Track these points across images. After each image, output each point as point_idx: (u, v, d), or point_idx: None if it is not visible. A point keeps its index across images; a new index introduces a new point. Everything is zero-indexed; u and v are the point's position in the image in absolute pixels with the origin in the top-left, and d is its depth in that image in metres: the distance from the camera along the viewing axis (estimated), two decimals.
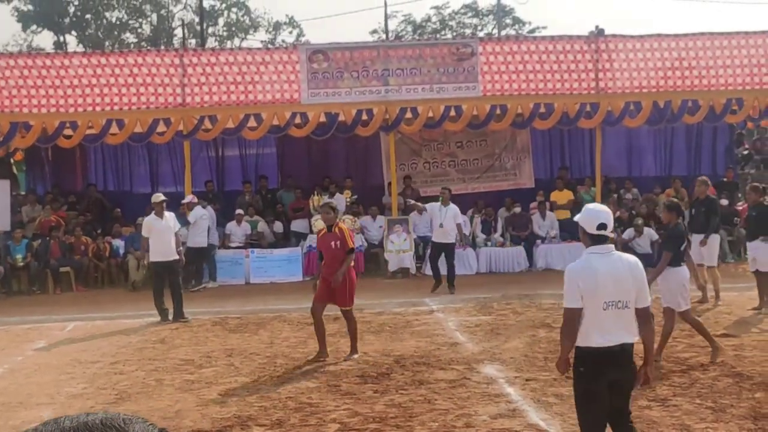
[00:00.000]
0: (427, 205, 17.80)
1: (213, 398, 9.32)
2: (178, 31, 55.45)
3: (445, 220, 17.07)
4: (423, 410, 8.47)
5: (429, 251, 18.32)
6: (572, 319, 5.92)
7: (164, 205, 14.91)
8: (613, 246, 6.05)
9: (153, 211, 14.99)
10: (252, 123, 19.73)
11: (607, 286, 5.79)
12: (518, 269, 20.30)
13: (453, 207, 17.23)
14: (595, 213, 6.01)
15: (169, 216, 15.00)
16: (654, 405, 8.44)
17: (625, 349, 5.85)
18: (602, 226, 5.94)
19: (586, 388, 5.93)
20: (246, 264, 19.93)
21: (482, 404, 8.65)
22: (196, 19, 52.02)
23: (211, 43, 53.88)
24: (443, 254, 17.18)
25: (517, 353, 11.07)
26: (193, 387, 9.88)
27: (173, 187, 22.43)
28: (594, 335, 5.83)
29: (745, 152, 25.31)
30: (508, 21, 56.60)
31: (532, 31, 54.89)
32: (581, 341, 5.91)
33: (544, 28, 56.54)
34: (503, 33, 50.93)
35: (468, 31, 55.88)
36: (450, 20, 58.25)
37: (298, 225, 21.25)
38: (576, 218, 6.20)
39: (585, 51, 20.15)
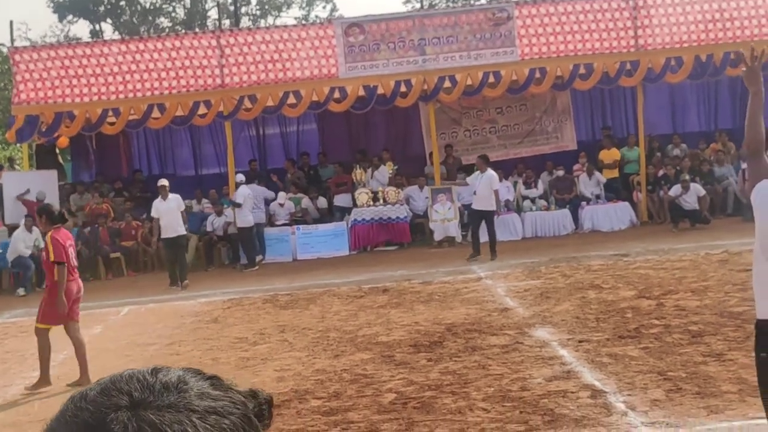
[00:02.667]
0: (468, 178, 17.92)
1: (269, 374, 9.44)
2: (212, 13, 55.57)
3: (480, 188, 17.12)
4: (478, 376, 8.51)
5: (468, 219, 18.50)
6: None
7: (167, 188, 16.97)
8: None
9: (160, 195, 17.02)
10: (291, 100, 19.81)
11: None
12: (564, 232, 20.22)
13: (489, 174, 17.22)
14: None
15: (173, 198, 16.94)
16: (710, 360, 8.40)
17: None
18: None
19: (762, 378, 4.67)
20: (292, 241, 20.08)
21: (536, 367, 8.67)
22: (229, 0, 52.10)
23: (245, 22, 53.95)
24: (483, 221, 17.20)
25: (568, 315, 11.06)
26: (248, 364, 10.02)
27: (217, 168, 22.68)
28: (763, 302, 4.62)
29: None
30: None
31: None
32: (760, 311, 4.66)
33: None
34: None
35: None
36: None
37: (341, 200, 21.34)
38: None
39: (623, 9, 19.92)
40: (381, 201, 20.28)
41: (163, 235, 17.09)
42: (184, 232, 17.21)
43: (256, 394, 1.15)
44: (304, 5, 58.22)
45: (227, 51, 19.49)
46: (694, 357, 8.54)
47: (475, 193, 17.28)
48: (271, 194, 20.78)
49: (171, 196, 16.95)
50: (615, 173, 21.40)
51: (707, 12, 19.89)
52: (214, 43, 19.55)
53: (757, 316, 4.83)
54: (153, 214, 17.28)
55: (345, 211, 20.93)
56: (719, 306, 10.73)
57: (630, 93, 21.81)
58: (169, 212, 16.85)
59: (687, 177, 19.44)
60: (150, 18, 54.17)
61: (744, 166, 15.81)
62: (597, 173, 21.09)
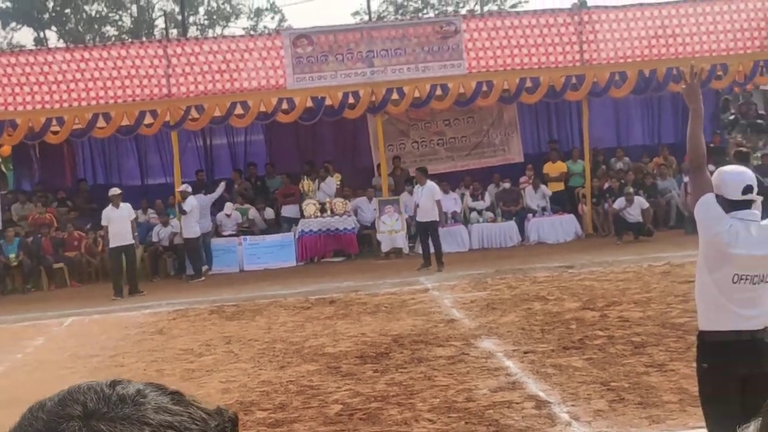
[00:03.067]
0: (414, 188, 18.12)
1: (214, 385, 9.38)
2: (159, 22, 55.21)
3: (422, 199, 17.36)
4: (424, 387, 8.55)
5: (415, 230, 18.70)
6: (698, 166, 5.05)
7: (120, 197, 17.20)
8: (756, 212, 4.95)
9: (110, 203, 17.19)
10: (239, 111, 19.72)
11: (742, 256, 4.74)
12: (510, 244, 20.37)
13: (429, 185, 17.51)
14: (738, 175, 4.94)
15: (125, 206, 17.18)
16: (652, 371, 8.53)
17: (758, 339, 4.78)
18: (748, 189, 4.87)
19: (713, 387, 4.81)
20: (239, 251, 19.97)
21: (482, 378, 8.73)
22: (177, 9, 51.78)
23: (192, 32, 53.66)
24: (428, 232, 17.46)
25: (514, 327, 11.15)
26: (193, 375, 9.94)
27: (163, 178, 22.47)
28: (716, 316, 4.85)
29: (731, 117, 25.41)
30: None
31: (515, 5, 54.73)
32: (702, 323, 4.93)
33: (526, 2, 56.42)
34: (485, 9, 50.82)
35: (450, 9, 55.72)
36: None
37: (288, 210, 21.28)
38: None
39: (568, 24, 20.16)
40: (328, 212, 20.26)
41: (113, 244, 17.07)
42: (133, 241, 17.32)
43: (222, 413, 1.13)
44: (252, 16, 58.14)
45: (174, 61, 19.35)
46: (637, 367, 8.67)
47: (417, 205, 17.46)
48: (217, 194, 20.62)
49: (122, 204, 17.15)
50: (561, 186, 21.64)
51: (650, 28, 20.23)
52: (160, 52, 19.39)
53: (699, 328, 4.99)
54: (104, 222, 17.30)
55: (292, 222, 20.87)
56: (661, 317, 10.91)
57: (575, 107, 22.05)
58: (120, 221, 17.00)
59: (631, 190, 19.72)
60: (96, 26, 53.62)
61: (686, 179, 16.09)
62: (543, 186, 21.32)
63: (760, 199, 5.10)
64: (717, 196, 4.93)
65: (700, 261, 4.93)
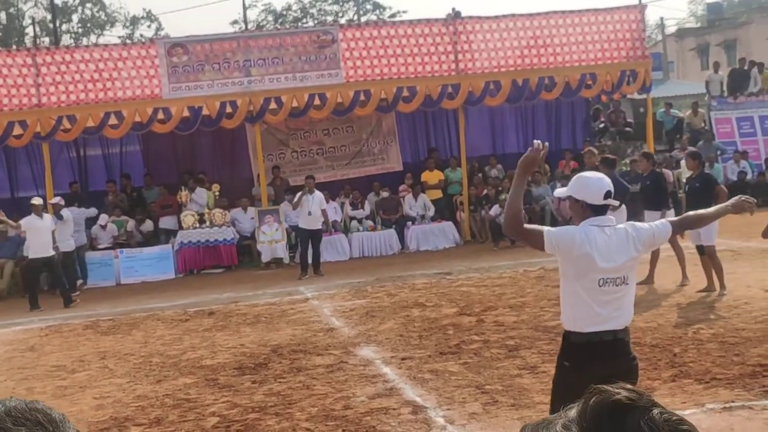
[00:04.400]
0: (298, 194, 17.99)
1: (88, 402, 9.15)
2: (30, 30, 53.61)
3: (313, 207, 17.41)
4: (302, 396, 8.54)
5: (297, 238, 18.57)
6: (528, 232, 5.16)
7: (41, 207, 16.66)
8: (612, 218, 5.22)
9: (32, 213, 16.53)
10: (113, 121, 19.32)
11: (603, 261, 4.99)
12: (390, 252, 20.55)
13: (318, 194, 17.64)
14: (599, 181, 5.20)
15: (47, 217, 16.73)
16: (525, 373, 8.74)
17: (619, 339, 5.05)
18: (609, 194, 5.12)
19: (569, 384, 4.92)
20: (116, 265, 19.56)
21: (360, 386, 8.78)
22: (49, 17, 50.38)
23: (66, 40, 52.33)
24: (311, 241, 17.53)
25: (392, 334, 11.25)
26: (66, 393, 9.68)
27: (34, 190, 21.70)
28: (580, 317, 5.06)
29: (601, 125, 26.26)
30: (368, 6, 56.93)
31: (393, 15, 55.35)
32: (567, 323, 5.16)
33: (404, 12, 57.23)
34: (364, 19, 51.17)
35: (329, 18, 55.93)
36: (311, 8, 58.19)
37: (166, 222, 20.95)
38: (567, 193, 5.29)
39: (444, 33, 20.51)
40: (207, 223, 20.04)
41: (34, 255, 16.55)
42: (53, 253, 16.70)
43: None
44: (128, 24, 57.09)
45: (44, 70, 18.83)
46: (510, 370, 8.87)
47: (310, 213, 17.42)
48: (93, 211, 20.21)
49: (46, 215, 16.76)
50: (439, 194, 21.96)
51: (522, 39, 20.76)
52: (29, 61, 18.84)
53: (564, 328, 5.23)
54: (27, 233, 16.80)
55: (171, 234, 20.55)
56: (535, 321, 11.19)
57: (452, 115, 22.42)
58: (43, 231, 16.50)
59: (504, 198, 20.14)
60: None
61: (559, 186, 16.55)
62: (423, 195, 21.56)
63: (616, 203, 5.36)
64: (576, 201, 5.19)
65: (564, 270, 5.15)
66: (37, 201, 16.85)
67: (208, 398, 8.85)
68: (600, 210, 5.13)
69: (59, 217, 17.80)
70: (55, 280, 17.02)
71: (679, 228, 5.46)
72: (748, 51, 40.96)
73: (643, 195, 13.69)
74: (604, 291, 5.01)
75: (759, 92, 26.43)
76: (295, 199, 18.13)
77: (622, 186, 12.86)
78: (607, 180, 5.28)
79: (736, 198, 5.54)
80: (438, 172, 22.19)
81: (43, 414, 1.15)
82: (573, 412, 1.36)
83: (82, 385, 10.00)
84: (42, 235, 16.45)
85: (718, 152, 24.17)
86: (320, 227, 17.83)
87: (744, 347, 9.11)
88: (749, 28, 47.04)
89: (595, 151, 15.48)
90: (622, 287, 5.06)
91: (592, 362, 4.95)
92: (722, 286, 12.34)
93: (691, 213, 5.68)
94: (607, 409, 1.28)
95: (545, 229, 5.16)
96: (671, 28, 60.86)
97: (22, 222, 16.77)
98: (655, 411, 1.27)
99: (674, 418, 1.27)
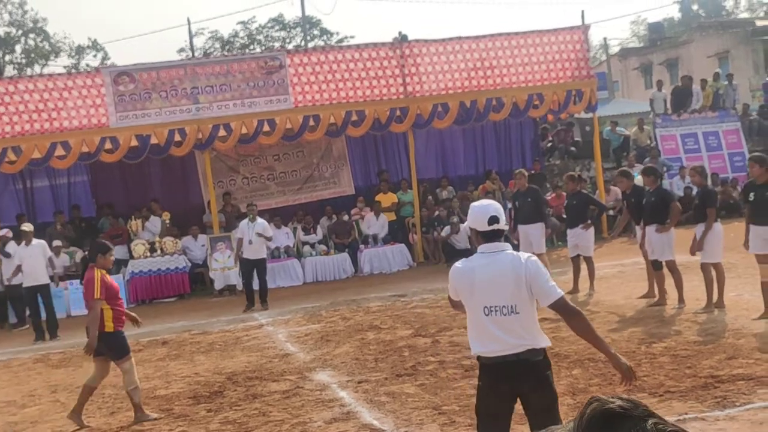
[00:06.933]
0: (241, 223, 17.47)
1: None
2: None
3: (253, 236, 16.80)
4: (258, 423, 8.47)
5: (240, 268, 18.00)
6: (451, 303, 5.59)
7: (32, 233, 16.12)
8: (505, 245, 5.26)
9: (23, 240, 16.16)
10: (60, 152, 19.09)
11: (485, 290, 5.09)
12: (344, 276, 20.51)
13: (260, 222, 17.08)
14: (483, 208, 5.32)
15: (37, 243, 16.12)
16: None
17: (522, 361, 5.04)
18: (494, 219, 5.19)
19: (481, 404, 5.23)
20: (65, 296, 19.23)
21: (317, 411, 8.73)
22: None
23: (9, 71, 51.72)
24: (255, 271, 16.93)
25: (348, 357, 11.21)
26: (17, 429, 9.49)
27: None
28: (479, 343, 5.19)
29: (549, 144, 26.55)
30: (315, 32, 57.09)
31: (341, 40, 55.62)
32: (473, 347, 5.30)
33: (352, 37, 57.45)
34: (312, 44, 51.28)
35: (277, 44, 55.98)
36: (258, 34, 58.25)
37: (116, 252, 20.60)
38: (465, 224, 5.54)
39: (391, 57, 20.64)
40: (158, 252, 19.85)
41: (26, 284, 16.13)
42: (48, 281, 16.30)
43: None
44: (73, 54, 56.59)
45: None
46: (467, 390, 8.87)
47: (251, 242, 16.89)
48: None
49: (35, 241, 16.10)
50: (393, 216, 22.00)
51: (469, 61, 20.96)
52: None
53: (474, 351, 5.31)
54: (15, 260, 16.47)
55: (121, 264, 20.30)
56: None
57: (402, 138, 22.51)
58: (32, 259, 15.97)
59: (455, 219, 20.24)
60: None
61: (510, 206, 16.71)
62: (383, 214, 21.53)
63: (504, 227, 5.33)
64: (471, 229, 5.41)
65: (475, 303, 5.17)
66: (27, 227, 16.44)
67: (163, 429, 8.75)
68: (488, 236, 5.22)
69: (6, 255, 17.51)
70: (49, 311, 16.39)
71: (562, 311, 5.13)
72: (690, 69, 41.74)
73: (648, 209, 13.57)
74: (492, 320, 5.06)
75: (701, 109, 26.92)
76: (235, 252, 17.83)
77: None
78: (494, 206, 5.37)
79: (627, 366, 5.23)
80: (392, 195, 22.25)
81: None
82: (572, 423, 1.37)
83: (33, 419, 9.82)
84: (30, 262, 15.99)
85: (665, 168, 24.52)
86: (263, 256, 17.09)
87: (696, 359, 9.23)
88: (690, 47, 47.95)
89: (525, 173, 15.77)
90: (511, 317, 5.04)
91: (497, 383, 5.07)
92: (680, 299, 12.47)
93: (583, 319, 5.17)
94: (601, 418, 1.28)
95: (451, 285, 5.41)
96: (615, 48, 61.92)
97: (9, 249, 16.52)
98: (650, 421, 1.27)
99: (669, 428, 1.28)
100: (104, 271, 9.36)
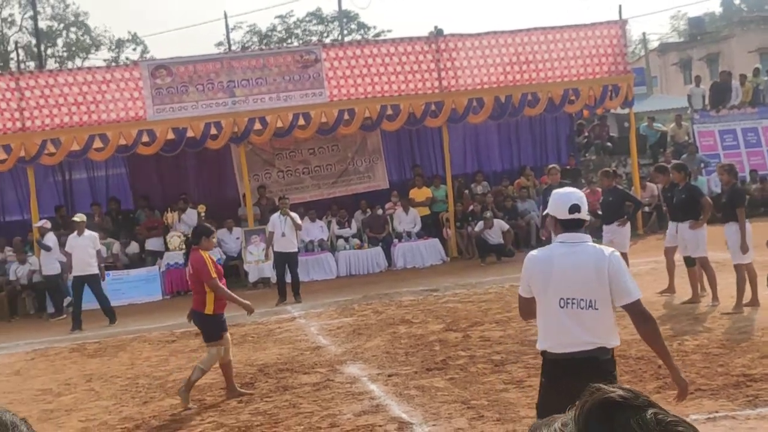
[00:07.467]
0: (272, 216, 17.56)
1: (73, 425, 9.12)
2: (15, 55, 53.56)
3: (286, 229, 16.92)
4: (288, 415, 8.54)
5: (272, 262, 18.08)
6: (522, 305, 5.30)
7: (84, 224, 16.51)
8: (586, 236, 5.12)
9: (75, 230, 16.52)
10: (98, 144, 19.31)
11: (563, 280, 4.92)
12: (377, 270, 20.54)
13: (293, 215, 17.17)
14: (565, 195, 5.16)
15: (88, 234, 16.45)
16: (511, 387, 8.76)
17: (591, 359, 4.87)
18: (575, 208, 5.03)
19: (542, 401, 5.12)
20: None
21: (346, 403, 8.78)
22: (33, 42, 50.38)
23: (51, 64, 52.30)
24: (287, 264, 17.08)
25: (379, 351, 11.26)
26: (52, 416, 9.64)
27: (20, 215, 21.70)
28: (548, 338, 5.03)
29: (585, 140, 26.38)
30: (353, 26, 57.18)
31: (378, 35, 55.60)
32: (540, 343, 5.15)
33: (389, 31, 57.44)
34: (349, 38, 51.33)
35: (314, 38, 56.11)
36: (295, 28, 58.44)
37: (152, 243, 20.89)
38: (546, 211, 5.35)
39: (426, 51, 20.61)
40: None
41: (75, 273, 16.53)
42: (96, 271, 16.55)
43: None
44: (113, 47, 57.14)
45: (27, 93, 18.83)
46: (496, 385, 8.89)
47: (283, 234, 16.94)
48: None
49: (87, 233, 16.47)
50: (426, 211, 21.97)
51: (505, 56, 20.88)
52: (12, 85, 18.85)
53: (538, 347, 5.20)
54: (67, 249, 16.73)
55: (157, 256, 20.51)
56: (521, 335, 11.21)
57: (437, 133, 22.47)
58: (82, 249, 16.30)
59: (488, 214, 20.18)
60: None
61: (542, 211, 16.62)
62: (413, 209, 21.54)
63: (587, 218, 5.18)
64: (551, 216, 5.21)
65: (548, 293, 5.01)
66: (79, 217, 16.83)
67: (194, 419, 8.84)
68: (568, 225, 5.06)
69: (45, 247, 17.76)
70: (100, 299, 16.79)
71: (637, 314, 4.96)
72: (731, 64, 41.26)
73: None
74: (567, 312, 4.91)
75: (740, 105, 26.60)
76: (267, 245, 17.85)
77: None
78: (577, 194, 5.21)
79: (686, 383, 5.17)
80: (426, 189, 22.22)
81: None
82: (572, 412, 1.38)
83: (68, 408, 9.96)
84: (80, 253, 16.30)
85: (702, 165, 24.29)
86: (295, 250, 17.25)
87: (728, 358, 9.16)
88: (731, 42, 47.40)
89: (558, 168, 15.67)
90: (588, 311, 4.90)
91: (563, 381, 4.82)
92: (715, 297, 12.36)
93: (655, 327, 5.09)
94: (601, 407, 1.30)
95: (519, 291, 5.28)
96: (654, 44, 61.31)
97: (68, 239, 16.76)
98: (650, 411, 1.28)
99: (669, 419, 1.28)
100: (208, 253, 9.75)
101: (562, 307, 4.92)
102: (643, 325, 4.96)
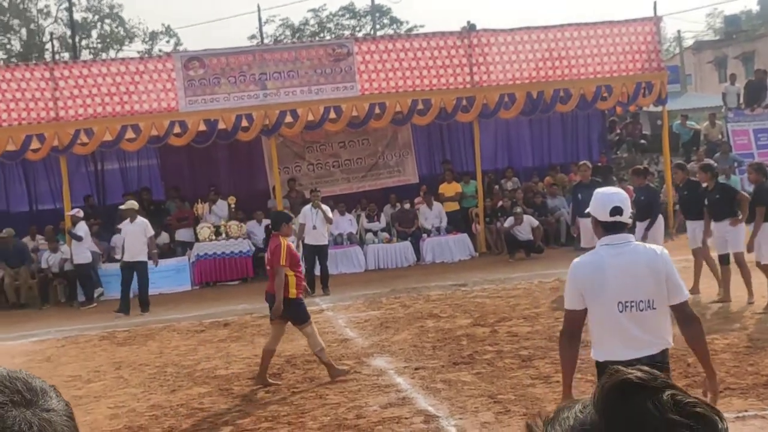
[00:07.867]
0: (304, 209, 17.61)
1: (102, 411, 9.21)
2: (51, 46, 54.05)
3: (317, 222, 17.00)
4: (314, 406, 8.57)
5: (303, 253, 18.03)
6: (570, 321, 4.97)
7: (133, 210, 16.76)
8: (630, 236, 5.01)
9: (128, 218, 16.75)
10: (130, 134, 19.43)
11: (620, 284, 4.76)
12: (406, 264, 20.53)
13: (324, 208, 17.21)
14: (607, 196, 4.97)
15: (140, 221, 16.71)
16: (537, 382, 8.73)
17: (655, 363, 4.48)
18: (616, 210, 4.86)
19: None
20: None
21: (373, 395, 8.79)
22: (68, 33, 50.81)
23: (85, 56, 52.69)
24: (317, 257, 17.18)
25: (406, 344, 11.26)
26: (81, 402, 9.73)
27: (52, 204, 21.91)
28: (608, 347, 4.83)
29: (617, 137, 26.21)
30: (385, 21, 57.12)
31: (410, 29, 55.47)
32: (597, 354, 4.92)
33: (421, 26, 57.28)
34: (381, 33, 51.31)
35: (347, 33, 56.13)
36: (328, 22, 58.46)
37: (182, 234, 21.01)
38: (588, 210, 5.13)
39: (458, 46, 20.55)
40: (223, 235, 20.10)
41: (125, 259, 16.87)
42: (145, 259, 16.82)
43: None
44: (147, 39, 57.45)
45: (61, 83, 18.98)
46: (523, 380, 8.87)
47: (315, 227, 16.99)
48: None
49: (138, 219, 16.73)
50: (456, 206, 21.92)
51: (537, 51, 20.77)
52: (47, 75, 19.01)
53: (593, 358, 5.00)
54: (121, 235, 17.21)
55: (187, 246, 20.63)
56: (548, 331, 11.16)
57: (468, 128, 22.39)
58: (133, 235, 16.62)
59: (518, 210, 20.10)
60: None
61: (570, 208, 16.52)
62: (437, 204, 21.50)
63: (628, 221, 5.03)
64: (592, 217, 5.05)
65: (607, 298, 4.83)
66: (128, 205, 17.02)
67: (221, 408, 8.90)
68: (610, 228, 4.90)
69: (76, 237, 17.92)
70: (141, 287, 16.96)
71: (684, 314, 4.86)
72: (767, 63, 40.79)
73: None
74: (627, 316, 4.76)
75: None
76: (298, 237, 17.78)
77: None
78: (620, 195, 5.04)
79: (717, 391, 5.06)
80: (456, 184, 22.16)
81: (23, 382, 1.21)
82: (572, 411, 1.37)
83: (97, 395, 10.06)
84: (131, 239, 16.60)
85: (735, 164, 24.05)
86: (326, 242, 17.39)
87: (758, 357, 9.07)
88: (767, 40, 46.85)
89: (589, 165, 15.57)
90: (648, 312, 4.77)
91: None
92: (750, 293, 12.26)
93: (701, 328, 4.95)
94: (619, 388, 1.29)
95: (565, 306, 5.04)
96: (689, 41, 60.72)
97: (122, 226, 17.00)
98: (667, 392, 1.27)
99: (688, 400, 1.26)
100: (288, 240, 10.07)
101: (621, 312, 4.77)
102: (690, 325, 4.85)
